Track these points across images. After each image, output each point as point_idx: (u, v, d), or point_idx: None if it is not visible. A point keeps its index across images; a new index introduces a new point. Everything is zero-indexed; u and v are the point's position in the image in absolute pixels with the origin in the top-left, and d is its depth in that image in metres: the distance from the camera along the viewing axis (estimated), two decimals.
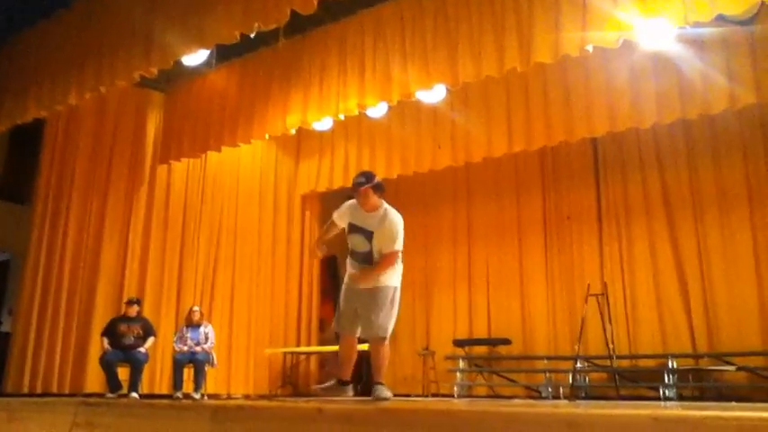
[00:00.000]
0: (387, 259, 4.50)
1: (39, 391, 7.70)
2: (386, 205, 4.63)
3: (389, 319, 4.55)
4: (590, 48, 5.93)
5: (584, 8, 5.81)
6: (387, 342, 4.58)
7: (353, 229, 4.61)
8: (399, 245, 4.53)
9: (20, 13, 6.13)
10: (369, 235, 4.52)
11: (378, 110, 7.92)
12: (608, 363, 7.93)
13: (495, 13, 6.35)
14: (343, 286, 4.75)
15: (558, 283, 9.56)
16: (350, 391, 4.74)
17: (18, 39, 7.25)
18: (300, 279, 10.65)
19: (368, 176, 4.65)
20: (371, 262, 4.53)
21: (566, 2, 5.93)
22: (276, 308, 10.15)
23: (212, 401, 6.23)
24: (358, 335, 4.69)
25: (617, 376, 7.85)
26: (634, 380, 8.45)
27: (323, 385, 4.91)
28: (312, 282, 10.78)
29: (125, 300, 7.83)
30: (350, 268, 4.71)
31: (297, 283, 10.60)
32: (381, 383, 4.53)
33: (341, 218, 4.74)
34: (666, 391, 7.83)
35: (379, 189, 4.59)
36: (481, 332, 9.99)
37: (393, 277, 4.62)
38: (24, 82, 7.43)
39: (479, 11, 6.46)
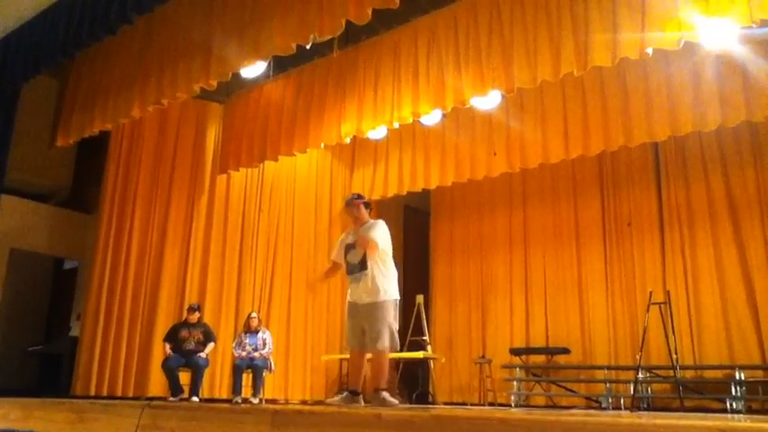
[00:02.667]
0: (368, 241, 5.02)
1: (104, 393, 7.95)
2: (374, 220, 5.32)
3: (386, 334, 4.95)
4: (650, 50, 5.79)
5: (643, 9, 5.67)
6: (386, 353, 5.00)
7: (349, 247, 5.23)
8: (380, 238, 5.06)
9: (86, 31, 6.37)
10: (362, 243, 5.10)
11: (432, 117, 7.91)
12: (671, 373, 7.69)
13: (551, 17, 6.27)
14: (347, 304, 5.27)
15: (618, 292, 9.33)
16: (361, 400, 5.12)
17: (84, 55, 7.53)
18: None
19: (359, 195, 5.52)
20: (366, 266, 5.03)
21: (624, 3, 5.81)
22: (332, 314, 10.23)
23: (271, 406, 6.32)
24: (366, 348, 5.13)
25: (681, 387, 7.60)
26: (699, 391, 8.17)
27: (336, 397, 5.29)
28: None
29: (186, 306, 8.03)
30: (350, 284, 5.21)
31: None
32: (385, 389, 4.93)
33: (338, 253, 5.39)
34: (734, 404, 7.53)
35: (368, 206, 5.41)
36: (539, 341, 9.84)
37: (389, 290, 5.07)
38: (91, 96, 7.72)
39: (534, 15, 6.38)
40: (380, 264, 5.10)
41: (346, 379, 10.13)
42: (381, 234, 5.13)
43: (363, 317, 5.03)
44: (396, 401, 4.90)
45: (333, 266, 5.54)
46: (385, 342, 4.91)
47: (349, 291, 5.24)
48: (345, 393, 5.14)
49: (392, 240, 5.28)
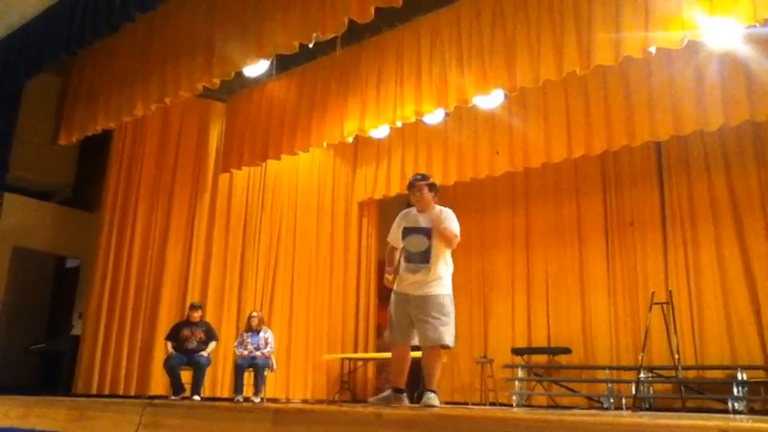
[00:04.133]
0: (451, 235, 4.60)
1: (106, 392, 7.96)
2: (440, 206, 4.79)
3: (449, 327, 4.57)
4: (653, 49, 5.78)
5: (647, 8, 5.67)
6: (442, 350, 4.62)
7: (409, 231, 4.67)
8: (458, 229, 4.67)
9: (89, 28, 6.37)
10: (427, 232, 4.59)
11: (434, 116, 7.93)
12: (673, 373, 7.67)
13: (554, 16, 6.26)
14: (393, 294, 4.78)
15: (620, 291, 9.31)
16: (405, 399, 4.72)
17: (87, 53, 7.53)
18: (358, 285, 10.72)
19: (423, 175, 4.92)
20: (429, 259, 4.56)
21: (627, 2, 5.80)
22: (334, 314, 10.23)
23: (272, 405, 6.32)
24: (412, 343, 4.71)
25: (683, 387, 7.58)
26: (701, 391, 8.15)
27: (378, 396, 4.91)
28: (369, 288, 10.83)
29: (188, 305, 8.03)
30: (404, 272, 4.71)
31: (354, 289, 10.67)
32: (434, 391, 4.54)
33: (395, 236, 4.84)
34: (735, 404, 7.51)
35: (434, 188, 4.81)
36: (540, 340, 9.82)
37: (448, 284, 4.68)
38: (93, 94, 7.73)
39: (537, 14, 6.37)
40: (444, 257, 4.68)
41: (347, 378, 10.15)
42: (457, 225, 4.69)
43: (416, 310, 4.57)
44: (438, 403, 4.52)
45: (392, 252, 4.91)
46: (445, 337, 4.53)
47: (399, 280, 4.74)
48: (388, 391, 4.73)
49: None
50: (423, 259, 4.58)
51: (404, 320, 4.66)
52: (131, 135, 8.82)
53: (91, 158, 9.39)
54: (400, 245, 4.77)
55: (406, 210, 4.91)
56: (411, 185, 4.81)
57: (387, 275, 4.83)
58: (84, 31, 6.41)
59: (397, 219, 4.89)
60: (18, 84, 7.56)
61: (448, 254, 4.73)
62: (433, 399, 4.47)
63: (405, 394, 4.72)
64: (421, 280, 4.59)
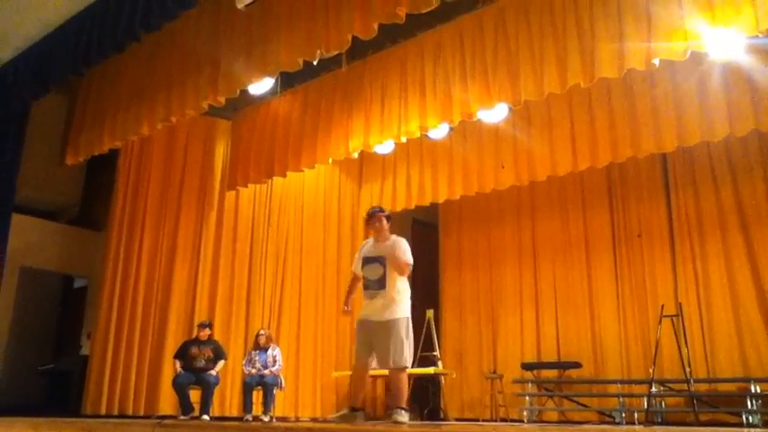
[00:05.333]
0: (403, 264, 4.98)
1: (115, 412, 7.93)
2: (395, 236, 5.24)
3: (406, 349, 4.90)
4: (656, 61, 5.78)
5: (649, 20, 5.67)
6: (405, 371, 4.94)
7: (367, 261, 5.15)
8: (410, 258, 5.05)
9: (94, 48, 6.42)
10: (382, 260, 5.05)
11: (439, 131, 7.92)
12: (685, 387, 7.59)
13: (556, 29, 6.27)
14: (359, 318, 5.20)
15: (629, 304, 9.25)
16: (361, 417, 5.06)
17: (93, 73, 7.59)
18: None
19: (381, 208, 5.44)
20: (385, 285, 4.98)
21: (629, 14, 5.81)
22: (342, 331, 10.18)
23: (282, 424, 6.28)
24: (372, 366, 5.14)
25: (695, 401, 7.50)
26: (713, 405, 8.06)
27: (337, 414, 5.27)
28: None
29: (197, 323, 8.01)
30: (364, 299, 5.17)
31: (358, 304, 10.61)
32: (404, 408, 4.84)
33: (357, 266, 5.30)
34: (750, 418, 7.43)
35: (390, 219, 5.29)
36: (550, 354, 9.75)
37: (404, 308, 5.02)
38: (99, 114, 7.77)
39: (540, 27, 6.39)
40: (399, 283, 5.05)
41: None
42: (409, 254, 5.08)
43: (376, 334, 4.97)
44: (406, 419, 4.78)
45: (354, 280, 5.43)
46: (404, 359, 4.85)
47: (362, 306, 5.19)
48: (346, 410, 5.08)
49: None
50: (379, 286, 5.02)
51: (366, 345, 5.07)
52: (137, 154, 8.85)
53: (97, 178, 9.43)
54: (360, 272, 5.25)
55: (365, 241, 5.41)
56: (370, 216, 5.26)
57: (343, 306, 5.42)
58: (89, 51, 6.46)
59: (360, 251, 5.35)
60: (25, 104, 7.62)
61: (404, 279, 5.09)
62: (401, 415, 4.76)
63: (362, 412, 5.09)
64: (379, 305, 5.00)
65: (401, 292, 5.04)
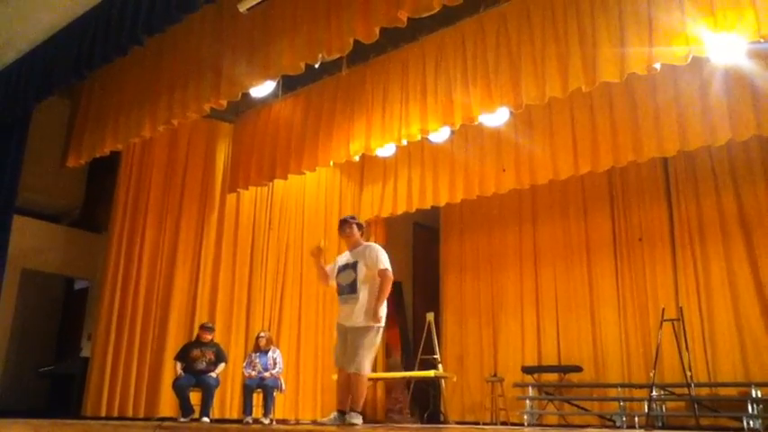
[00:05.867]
0: (384, 281, 5.08)
1: (115, 414, 7.93)
2: (368, 243, 5.35)
3: (364, 356, 4.97)
4: (658, 65, 5.79)
5: (651, 24, 5.68)
6: (364, 376, 5.01)
7: (340, 269, 5.26)
8: (387, 264, 5.11)
9: (97, 52, 6.43)
10: (353, 265, 5.16)
11: (440, 134, 7.94)
12: (686, 391, 7.58)
13: (558, 33, 6.28)
14: (336, 323, 5.28)
15: (630, 308, 9.25)
16: (346, 420, 5.05)
17: (96, 76, 7.60)
18: None
19: (352, 216, 5.52)
20: (356, 290, 5.06)
21: (631, 18, 5.81)
22: None
23: (282, 426, 6.28)
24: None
25: (696, 405, 7.49)
26: (714, 409, 8.05)
27: (326, 418, 5.27)
28: None
29: (200, 324, 8.01)
30: (339, 305, 5.23)
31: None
32: (357, 412, 4.97)
33: (331, 269, 5.41)
34: (751, 422, 7.41)
35: (360, 228, 5.39)
36: (551, 358, 9.75)
37: (375, 315, 5.03)
38: (102, 117, 7.78)
39: (542, 31, 6.40)
40: (371, 288, 5.10)
41: None
42: (384, 259, 5.15)
43: (347, 338, 5.07)
44: (359, 421, 4.92)
45: (322, 272, 5.46)
46: (362, 366, 4.95)
47: (339, 311, 5.28)
48: (335, 414, 5.13)
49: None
50: (351, 290, 5.10)
51: (342, 348, 5.14)
52: (139, 156, 8.87)
53: (99, 180, 9.44)
54: (331, 274, 5.37)
55: (341, 254, 5.46)
56: (341, 225, 5.38)
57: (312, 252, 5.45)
58: (92, 54, 6.47)
59: (336, 260, 5.43)
60: (28, 108, 7.62)
61: (375, 286, 5.12)
62: (354, 416, 4.92)
63: (352, 415, 5.07)
64: (350, 310, 5.07)
65: (373, 296, 5.09)
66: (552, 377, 9.56)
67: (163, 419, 7.20)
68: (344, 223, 5.35)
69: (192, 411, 7.26)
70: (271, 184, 9.32)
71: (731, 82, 6.91)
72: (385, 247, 5.30)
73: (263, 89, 7.50)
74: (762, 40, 5.32)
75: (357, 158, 8.21)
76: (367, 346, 4.98)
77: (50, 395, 9.18)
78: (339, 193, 10.73)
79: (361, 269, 5.11)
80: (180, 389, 7.28)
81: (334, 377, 9.77)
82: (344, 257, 5.34)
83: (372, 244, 5.34)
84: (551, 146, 8.30)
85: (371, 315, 5.01)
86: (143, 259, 8.60)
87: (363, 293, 5.06)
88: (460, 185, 9.16)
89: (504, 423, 9.38)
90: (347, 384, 5.12)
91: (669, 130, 7.36)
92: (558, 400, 9.24)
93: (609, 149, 7.82)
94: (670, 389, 8.25)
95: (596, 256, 9.72)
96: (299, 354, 9.63)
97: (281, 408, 8.57)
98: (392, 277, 5.15)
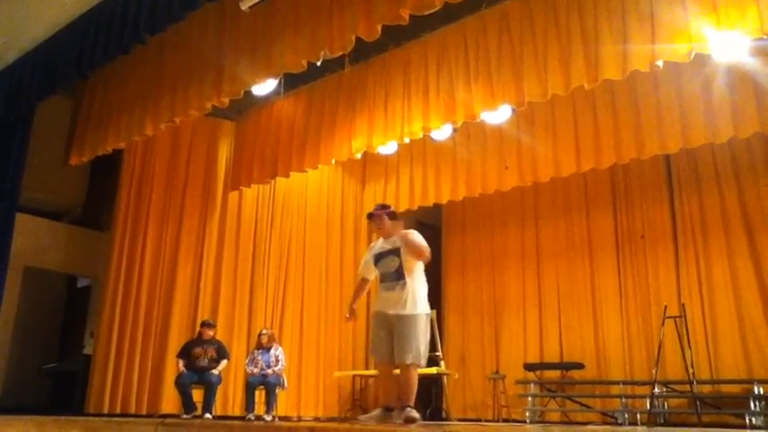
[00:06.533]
0: (420, 246, 4.84)
1: (118, 411, 7.95)
2: (402, 230, 5.04)
3: (415, 346, 4.71)
4: (660, 63, 5.78)
5: (653, 22, 5.67)
6: (415, 367, 4.75)
7: (380, 257, 4.99)
8: (424, 242, 4.89)
9: (100, 50, 6.44)
10: (396, 251, 4.89)
11: (442, 132, 7.93)
12: (688, 388, 7.59)
13: (560, 31, 6.27)
14: (373, 313, 5.02)
15: (632, 305, 9.25)
16: (395, 417, 4.83)
17: (98, 75, 7.61)
18: (368, 301, 10.65)
19: (383, 205, 5.25)
20: (403, 275, 4.81)
21: (633, 16, 5.81)
22: (344, 330, 10.20)
23: (284, 423, 6.30)
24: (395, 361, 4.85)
25: (698, 402, 7.50)
26: (716, 406, 8.06)
27: (368, 414, 5.07)
28: None
29: (201, 322, 8.03)
30: (381, 292, 4.98)
31: (365, 305, 10.60)
32: (411, 407, 4.69)
33: (366, 268, 5.17)
34: (753, 419, 7.42)
35: (394, 216, 5.11)
36: (553, 356, 9.75)
37: (420, 304, 4.84)
38: (104, 115, 7.79)
39: (544, 29, 6.39)
40: (417, 273, 4.90)
41: (359, 396, 10.10)
42: (422, 239, 4.93)
43: (393, 328, 4.77)
44: (418, 417, 4.66)
45: (361, 283, 5.30)
46: (416, 356, 4.69)
47: (377, 300, 5.03)
48: (378, 410, 4.89)
49: None
50: (397, 276, 4.85)
51: (384, 338, 4.85)
52: (141, 154, 8.88)
53: (101, 178, 9.46)
54: (371, 276, 5.15)
55: (373, 243, 5.26)
56: (370, 216, 5.12)
57: (347, 312, 5.24)
58: (95, 53, 6.47)
59: (368, 252, 5.21)
60: (31, 106, 7.64)
61: (421, 272, 4.97)
62: (411, 411, 4.64)
63: (395, 412, 4.82)
64: (396, 297, 4.81)
65: (421, 284, 4.91)
66: (554, 374, 9.57)
67: (165, 416, 7.22)
68: (373, 216, 5.09)
69: (195, 408, 7.28)
70: (273, 182, 9.33)
71: (734, 79, 6.90)
72: None
73: (265, 87, 7.51)
74: (765, 37, 5.30)
75: (359, 156, 8.21)
76: (422, 334, 4.75)
77: (53, 392, 9.21)
78: (341, 191, 10.74)
79: (406, 253, 4.86)
80: (182, 386, 7.30)
81: (336, 374, 9.88)
82: (379, 244, 5.08)
83: (409, 230, 5.06)
84: (554, 143, 8.30)
85: (423, 302, 4.82)
86: (145, 257, 8.61)
87: (410, 280, 4.82)
88: (463, 183, 9.16)
89: (506, 420, 9.38)
90: (394, 377, 4.88)
91: (671, 127, 7.36)
92: (560, 397, 9.25)
93: (611, 147, 7.82)
94: (672, 386, 8.26)
95: (599, 253, 9.72)
96: (302, 351, 9.64)
97: (283, 405, 8.59)
98: (428, 255, 4.91)
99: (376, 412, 4.89)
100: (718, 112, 7.03)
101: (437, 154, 9.40)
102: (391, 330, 4.79)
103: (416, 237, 4.93)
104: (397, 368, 4.83)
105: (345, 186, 10.80)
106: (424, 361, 4.80)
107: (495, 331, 10.47)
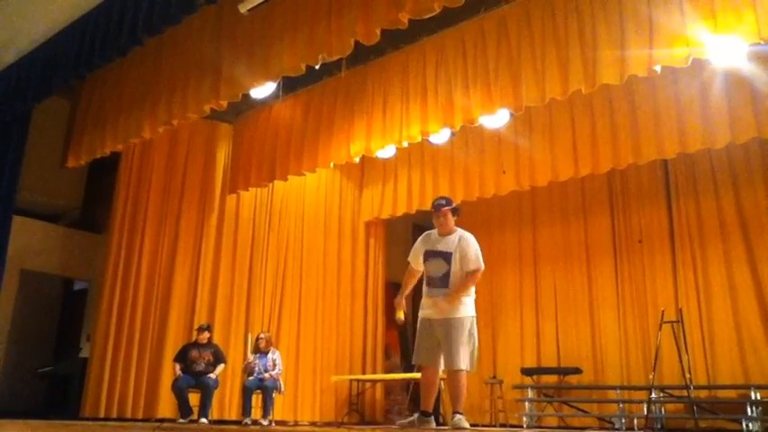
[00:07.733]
0: (472, 276, 4.72)
1: (114, 414, 7.93)
2: (460, 230, 4.92)
3: (470, 350, 4.67)
4: (658, 68, 5.79)
5: (651, 27, 5.68)
6: (465, 372, 4.68)
7: (430, 255, 4.83)
8: (482, 263, 4.76)
9: (97, 52, 6.43)
10: (447, 256, 4.75)
11: (440, 136, 7.93)
12: (685, 393, 7.58)
13: (558, 35, 6.28)
14: (420, 317, 4.87)
15: (629, 310, 9.25)
16: (432, 422, 4.78)
17: (95, 77, 7.60)
18: (365, 305, 10.67)
19: (447, 200, 5.02)
20: (449, 284, 4.69)
21: (631, 21, 5.82)
22: (342, 335, 10.19)
23: (281, 427, 6.28)
24: (442, 366, 4.81)
25: (695, 407, 7.49)
26: (713, 411, 8.05)
27: (405, 420, 4.95)
28: (377, 309, 10.78)
29: (196, 326, 8.01)
30: (425, 297, 4.85)
31: (362, 309, 10.62)
32: (461, 413, 4.62)
33: (416, 258, 4.98)
34: (750, 425, 7.41)
35: (457, 213, 4.97)
36: (550, 360, 9.74)
37: (469, 307, 4.76)
38: (101, 117, 7.77)
39: (542, 33, 6.40)
40: (464, 280, 4.79)
41: (356, 400, 10.08)
42: (480, 257, 4.82)
43: (440, 333, 4.70)
44: (467, 425, 4.62)
45: (410, 275, 5.12)
46: (466, 360, 4.64)
47: (422, 304, 4.90)
48: (417, 415, 4.84)
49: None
50: (442, 284, 4.73)
51: (429, 344, 4.77)
52: (139, 157, 8.86)
53: (99, 181, 9.44)
54: (420, 268, 4.96)
55: (428, 232, 5.07)
56: (436, 209, 4.93)
57: (397, 310, 5.00)
58: (92, 55, 6.46)
59: (419, 241, 5.04)
60: (28, 107, 7.62)
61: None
62: (461, 421, 4.56)
63: (432, 417, 4.78)
64: (441, 304, 4.69)
65: (465, 288, 4.80)
66: (551, 379, 9.55)
67: (162, 420, 7.18)
68: (438, 210, 4.93)
69: (191, 412, 7.25)
70: (271, 185, 9.32)
71: (731, 84, 6.91)
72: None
73: (263, 90, 7.49)
74: (762, 43, 5.32)
75: (357, 160, 8.21)
76: (471, 337, 4.70)
77: (49, 396, 9.16)
78: (339, 195, 10.73)
79: (456, 262, 4.76)
80: (179, 390, 7.27)
81: (334, 378, 9.85)
82: (434, 240, 4.94)
83: (468, 235, 4.92)
84: (551, 148, 8.31)
85: (468, 305, 4.76)
86: (142, 260, 8.59)
87: (457, 286, 4.73)
88: (460, 187, 9.17)
89: (503, 425, 9.37)
90: (433, 384, 4.86)
91: (669, 132, 7.37)
92: (557, 401, 9.23)
93: (609, 151, 7.83)
94: (669, 391, 8.24)
95: (596, 258, 9.72)
96: (299, 355, 9.62)
97: (280, 409, 8.57)
98: (478, 277, 4.82)
99: (414, 417, 4.84)
100: (715, 118, 7.04)
101: (435, 158, 9.40)
102: (437, 336, 4.73)
103: (475, 256, 4.78)
104: (442, 374, 4.79)
105: (343, 190, 10.80)
106: (474, 365, 4.74)
107: (492, 335, 10.45)
